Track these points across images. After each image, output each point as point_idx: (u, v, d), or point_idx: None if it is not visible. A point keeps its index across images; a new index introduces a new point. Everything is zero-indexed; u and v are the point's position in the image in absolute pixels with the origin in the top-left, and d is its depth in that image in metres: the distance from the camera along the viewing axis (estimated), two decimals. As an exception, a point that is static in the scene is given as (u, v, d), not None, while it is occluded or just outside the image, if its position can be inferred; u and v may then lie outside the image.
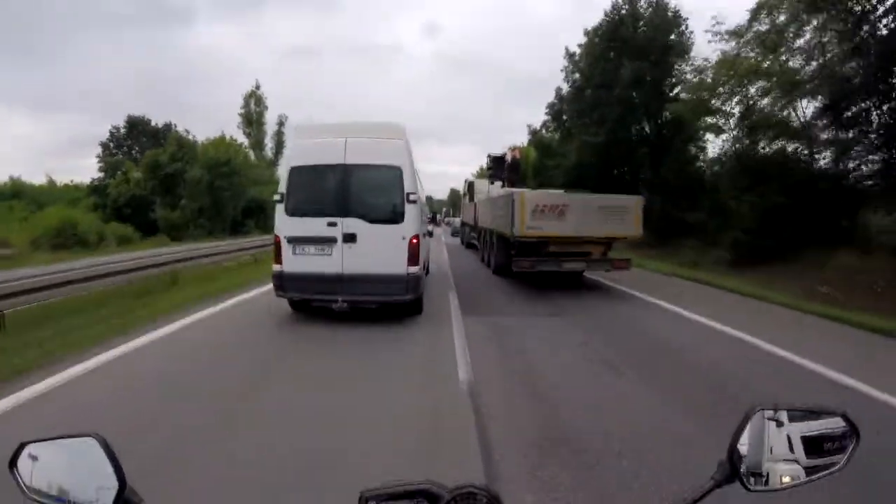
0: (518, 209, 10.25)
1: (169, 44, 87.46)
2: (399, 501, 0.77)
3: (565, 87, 32.52)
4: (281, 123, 58.37)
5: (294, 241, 7.23)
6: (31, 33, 77.81)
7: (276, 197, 7.34)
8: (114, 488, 0.79)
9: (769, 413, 0.91)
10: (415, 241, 7.26)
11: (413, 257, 7.20)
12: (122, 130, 53.58)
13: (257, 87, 56.26)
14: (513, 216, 10.36)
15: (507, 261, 11.79)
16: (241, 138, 53.77)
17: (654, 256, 18.52)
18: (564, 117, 33.09)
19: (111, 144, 53.57)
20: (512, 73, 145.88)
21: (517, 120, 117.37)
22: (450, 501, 0.75)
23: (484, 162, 24.19)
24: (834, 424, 0.93)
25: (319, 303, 7.42)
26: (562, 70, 31.99)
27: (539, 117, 38.14)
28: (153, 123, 52.50)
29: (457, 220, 33.98)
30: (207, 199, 40.85)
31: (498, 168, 20.61)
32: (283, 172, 7.49)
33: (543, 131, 37.19)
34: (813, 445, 0.90)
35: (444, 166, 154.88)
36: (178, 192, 40.39)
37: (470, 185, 24.32)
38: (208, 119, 58.03)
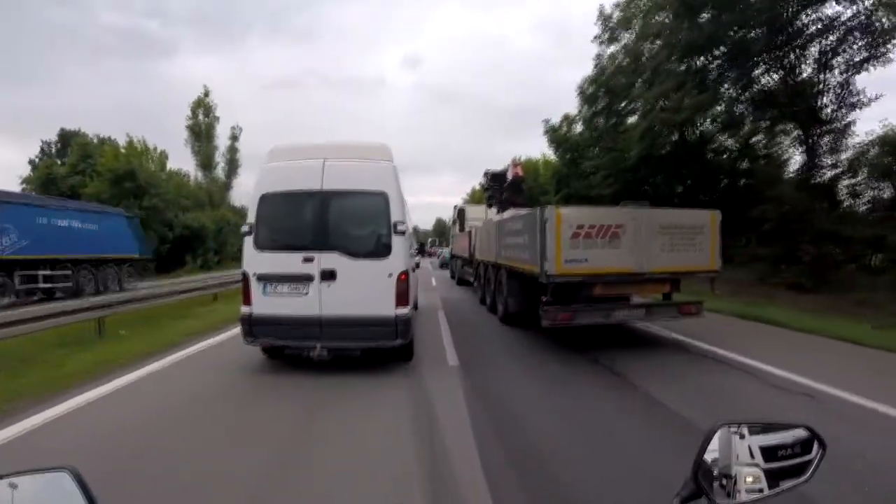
0: (552, 234, 7.92)
1: (150, 74, 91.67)
2: None
3: (606, 54, 27.18)
4: (234, 137, 54.14)
5: (265, 279, 6.98)
6: (22, 63, 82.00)
7: (245, 228, 7.13)
8: None
9: (733, 428, 0.95)
10: (403, 277, 6.94)
11: (402, 297, 6.91)
12: (55, 147, 48.95)
13: (206, 94, 51.40)
14: (543, 244, 8.02)
15: (525, 308, 9.94)
16: (187, 156, 48.18)
17: (823, 309, 12.41)
18: (600, 104, 27.55)
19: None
20: (493, 105, 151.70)
21: (499, 150, 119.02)
22: None
23: (469, 189, 20.97)
24: (797, 437, 0.98)
25: (294, 350, 7.12)
26: (594, 40, 27.22)
27: (528, 145, 33.85)
28: (90, 137, 46.25)
29: (445, 251, 33.50)
30: None
31: (498, 187, 17.41)
32: (252, 200, 7.25)
33: (565, 128, 31.28)
34: (777, 458, 0.93)
35: (428, 197, 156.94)
36: None
37: (460, 212, 22.92)
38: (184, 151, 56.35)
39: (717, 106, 22.04)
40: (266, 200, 7.07)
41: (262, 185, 7.16)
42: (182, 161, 72.84)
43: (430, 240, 56.92)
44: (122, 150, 35.53)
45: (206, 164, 50.37)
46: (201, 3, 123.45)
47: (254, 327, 6.98)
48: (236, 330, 9.13)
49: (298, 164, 7.14)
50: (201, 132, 49.70)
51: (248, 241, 7.07)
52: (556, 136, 30.91)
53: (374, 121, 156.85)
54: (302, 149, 7.45)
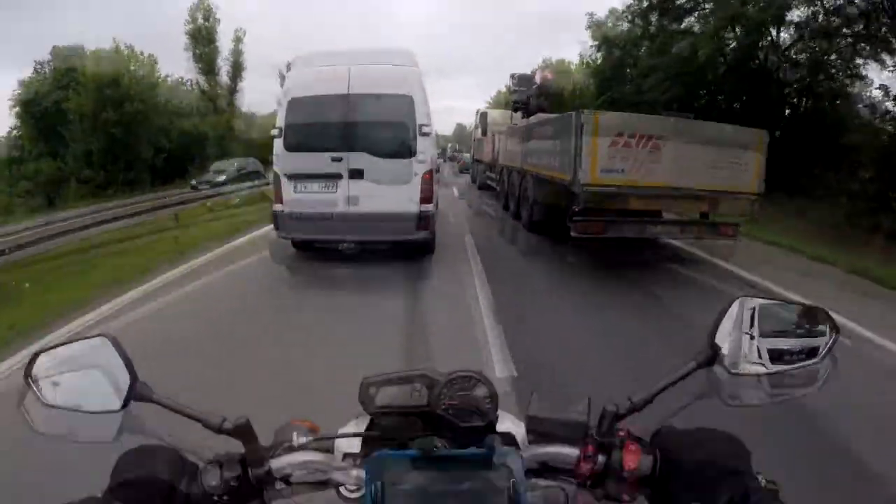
0: (588, 141, 7.58)
1: None
2: (399, 386, 0.85)
3: None
4: (238, 40, 49.60)
5: (295, 177, 7.56)
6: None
7: (275, 131, 7.70)
8: (126, 384, 0.87)
9: (750, 303, 0.97)
10: (428, 176, 7.58)
11: (426, 194, 7.54)
12: (49, 66, 44.06)
13: None
14: (577, 152, 7.69)
15: (551, 216, 9.71)
16: (185, 64, 45.22)
17: None
18: None
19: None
20: (518, 7, 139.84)
21: (524, 55, 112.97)
22: (446, 384, 0.82)
23: (492, 95, 20.33)
24: (804, 345, 0.98)
25: (324, 243, 7.99)
26: None
27: (555, 51, 30.65)
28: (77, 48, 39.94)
29: (466, 156, 33.66)
30: (98, 139, 31.86)
31: (525, 91, 16.80)
32: (281, 105, 7.81)
33: (611, 24, 27.67)
34: (782, 361, 0.95)
35: (448, 101, 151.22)
36: (63, 135, 32.24)
37: (483, 116, 22.45)
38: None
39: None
40: (295, 104, 7.54)
41: (291, 89, 7.67)
42: (184, 70, 69.65)
43: (449, 145, 55.94)
44: (106, 58, 33.04)
45: (208, 69, 47.11)
46: None
47: (286, 223, 7.62)
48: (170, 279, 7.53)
49: (326, 69, 7.63)
50: (201, 37, 45.75)
51: (278, 143, 7.59)
52: (602, 32, 27.95)
53: (389, 20, 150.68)
54: (329, 55, 8.07)
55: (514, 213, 12.75)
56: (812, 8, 19.72)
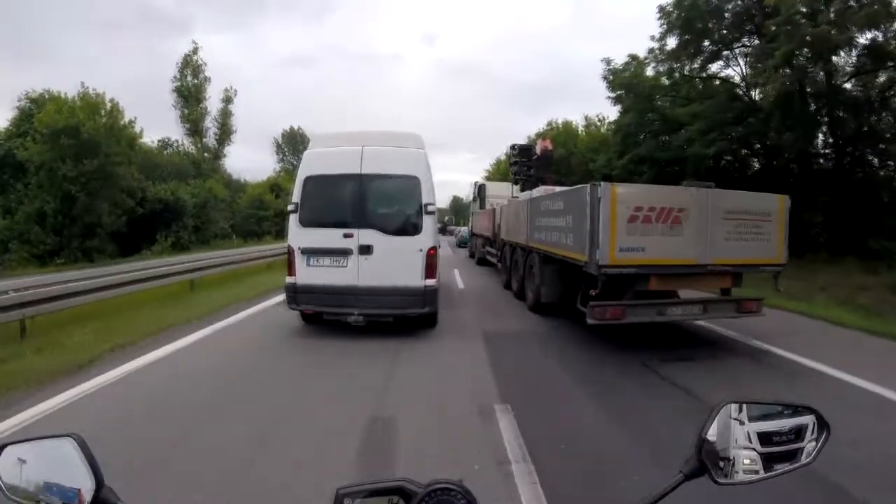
0: (606, 216, 7.15)
1: (164, 52, 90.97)
2: (374, 499, 0.84)
3: None
4: (228, 100, 50.43)
5: (308, 252, 8.11)
6: (29, 36, 77.38)
7: (290, 207, 8.28)
8: (92, 488, 0.88)
9: (736, 407, 0.97)
10: (432, 252, 8.11)
11: (430, 270, 8.05)
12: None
13: (194, 52, 47.33)
14: (594, 229, 7.26)
15: (561, 297, 9.42)
16: (172, 121, 44.17)
17: None
18: (685, 35, 21.87)
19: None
20: (511, 82, 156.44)
21: (517, 128, 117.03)
22: (424, 498, 0.81)
23: (487, 167, 20.46)
24: (794, 424, 1.00)
25: (333, 316, 8.26)
26: None
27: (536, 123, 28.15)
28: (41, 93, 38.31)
29: (463, 230, 30.91)
30: (53, 197, 28.58)
31: (525, 162, 16.63)
32: (297, 182, 8.40)
33: (632, 70, 25.31)
34: (772, 443, 0.96)
35: (444, 174, 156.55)
36: (19, 188, 29.66)
37: (480, 189, 22.53)
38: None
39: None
40: (310, 182, 8.22)
41: (307, 168, 8.34)
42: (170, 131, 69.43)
43: (446, 218, 56.12)
44: (69, 105, 29.47)
45: (193, 130, 46.88)
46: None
47: (297, 295, 8.17)
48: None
49: (339, 149, 8.35)
50: (189, 95, 46.08)
51: (293, 219, 8.25)
52: (621, 79, 25.32)
53: (387, 96, 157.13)
54: (342, 136, 8.76)
55: (517, 292, 12.38)
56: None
